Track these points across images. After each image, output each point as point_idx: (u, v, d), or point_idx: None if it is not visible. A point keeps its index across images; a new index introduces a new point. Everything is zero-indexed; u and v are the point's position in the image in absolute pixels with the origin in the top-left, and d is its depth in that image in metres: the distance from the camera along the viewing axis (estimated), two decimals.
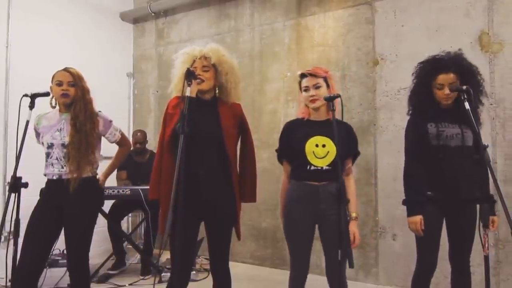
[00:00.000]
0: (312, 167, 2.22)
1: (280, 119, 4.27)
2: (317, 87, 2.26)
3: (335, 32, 4.05)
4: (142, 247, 4.15)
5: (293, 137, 2.31)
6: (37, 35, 4.39)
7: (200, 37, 4.89)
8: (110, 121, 2.66)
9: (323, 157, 2.21)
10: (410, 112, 2.50)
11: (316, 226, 2.28)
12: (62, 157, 2.49)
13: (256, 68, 4.51)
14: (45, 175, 2.54)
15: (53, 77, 2.55)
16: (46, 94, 2.47)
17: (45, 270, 2.92)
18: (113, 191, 3.72)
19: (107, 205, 3.77)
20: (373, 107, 3.81)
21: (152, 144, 4.68)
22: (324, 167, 2.21)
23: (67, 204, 2.46)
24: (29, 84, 2.80)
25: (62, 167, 2.49)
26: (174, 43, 5.17)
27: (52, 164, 2.50)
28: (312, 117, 2.33)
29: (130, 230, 5.00)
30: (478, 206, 2.28)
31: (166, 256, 3.81)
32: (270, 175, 4.02)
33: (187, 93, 1.98)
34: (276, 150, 2.43)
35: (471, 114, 2.10)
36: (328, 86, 2.29)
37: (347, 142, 2.29)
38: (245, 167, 2.34)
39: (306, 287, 2.28)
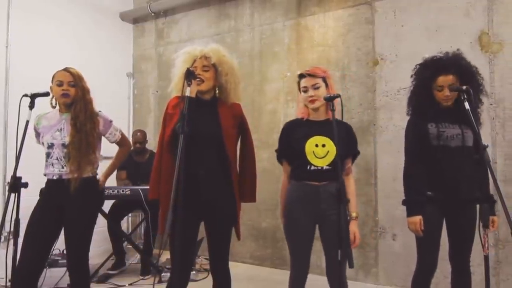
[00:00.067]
0: (313, 167, 2.22)
1: (280, 119, 4.27)
2: (316, 87, 2.26)
3: (335, 32, 4.05)
4: (142, 247, 4.15)
5: (293, 137, 2.31)
6: (37, 35, 4.39)
7: (200, 37, 4.90)
8: (110, 121, 2.66)
9: (323, 157, 2.21)
10: (410, 112, 2.50)
11: (317, 226, 2.28)
12: (63, 157, 2.49)
13: (256, 68, 4.51)
14: (45, 175, 2.54)
15: (53, 77, 2.55)
16: (46, 94, 2.47)
17: (45, 270, 2.92)
18: (113, 191, 3.72)
19: (107, 205, 3.77)
20: (373, 107, 3.81)
21: (152, 144, 4.68)
22: (324, 167, 2.21)
23: (67, 204, 2.46)
24: (29, 84, 2.80)
25: (63, 167, 2.49)
26: (174, 43, 5.17)
27: (52, 164, 2.50)
28: (312, 117, 2.33)
29: (130, 230, 5.00)
30: (478, 206, 2.28)
31: (166, 256, 3.81)
32: (270, 175, 4.02)
33: (187, 93, 1.99)
34: (276, 151, 2.43)
35: (471, 114, 2.10)
36: (327, 86, 2.28)
37: (347, 141, 2.29)
38: (245, 167, 2.34)
39: (306, 287, 2.28)
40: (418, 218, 2.30)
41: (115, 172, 3.39)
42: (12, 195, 2.30)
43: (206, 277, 3.78)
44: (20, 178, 2.34)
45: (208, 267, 2.48)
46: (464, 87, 2.16)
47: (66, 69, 2.56)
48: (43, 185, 2.56)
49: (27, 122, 2.39)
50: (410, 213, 2.35)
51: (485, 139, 2.56)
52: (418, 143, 2.38)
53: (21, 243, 2.37)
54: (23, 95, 2.43)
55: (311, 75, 2.28)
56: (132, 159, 4.24)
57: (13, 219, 2.33)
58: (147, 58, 5.41)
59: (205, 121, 2.16)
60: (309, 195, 2.22)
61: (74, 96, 2.52)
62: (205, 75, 2.20)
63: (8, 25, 4.15)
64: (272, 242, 4.30)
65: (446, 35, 3.45)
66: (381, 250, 3.71)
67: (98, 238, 3.54)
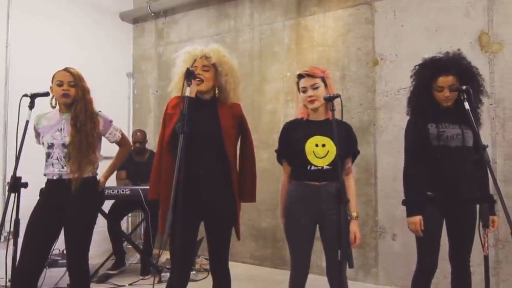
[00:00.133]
0: (313, 167, 2.22)
1: (279, 119, 4.27)
2: (315, 87, 2.26)
3: (334, 32, 4.05)
4: (141, 247, 4.15)
5: (293, 137, 2.31)
6: (37, 35, 4.39)
7: (199, 37, 4.90)
8: (110, 121, 2.66)
9: (323, 157, 2.21)
10: (410, 112, 2.50)
11: (317, 226, 2.28)
12: (63, 157, 2.49)
13: (256, 68, 4.51)
14: (45, 175, 2.54)
15: (53, 77, 2.55)
16: (46, 94, 2.47)
17: (45, 270, 2.92)
18: (113, 191, 3.72)
19: (107, 205, 3.77)
20: (372, 107, 3.81)
21: (152, 144, 4.68)
22: (325, 167, 2.21)
23: (67, 204, 2.46)
24: (29, 84, 2.80)
25: (63, 167, 2.49)
26: (173, 43, 5.17)
27: (52, 164, 2.50)
28: (311, 117, 2.33)
29: (130, 230, 5.00)
30: (478, 206, 2.28)
31: (165, 256, 3.81)
32: (270, 175, 4.02)
33: (187, 93, 1.99)
34: (276, 151, 2.43)
35: (471, 114, 2.10)
36: (326, 86, 2.28)
37: (347, 141, 2.29)
38: (245, 167, 2.33)
39: (307, 287, 2.28)
40: (418, 218, 2.30)
41: (115, 172, 3.40)
42: (12, 195, 2.30)
43: (206, 277, 3.78)
44: (20, 178, 2.34)
45: (208, 267, 2.48)
46: (464, 87, 2.16)
47: (66, 69, 2.56)
48: (43, 185, 2.56)
49: (27, 122, 2.39)
50: (410, 213, 2.35)
51: (485, 139, 2.56)
52: (418, 143, 2.38)
53: (21, 243, 2.37)
54: (23, 95, 2.42)
55: (310, 75, 2.28)
56: (132, 159, 4.24)
57: (13, 219, 2.33)
58: (147, 58, 5.41)
59: (205, 121, 2.16)
60: (309, 195, 2.22)
61: (74, 96, 2.52)
62: (205, 75, 2.20)
63: (8, 25, 4.15)
64: (272, 242, 4.30)
65: (446, 35, 3.45)
66: (381, 250, 3.71)
67: (98, 238, 3.54)
